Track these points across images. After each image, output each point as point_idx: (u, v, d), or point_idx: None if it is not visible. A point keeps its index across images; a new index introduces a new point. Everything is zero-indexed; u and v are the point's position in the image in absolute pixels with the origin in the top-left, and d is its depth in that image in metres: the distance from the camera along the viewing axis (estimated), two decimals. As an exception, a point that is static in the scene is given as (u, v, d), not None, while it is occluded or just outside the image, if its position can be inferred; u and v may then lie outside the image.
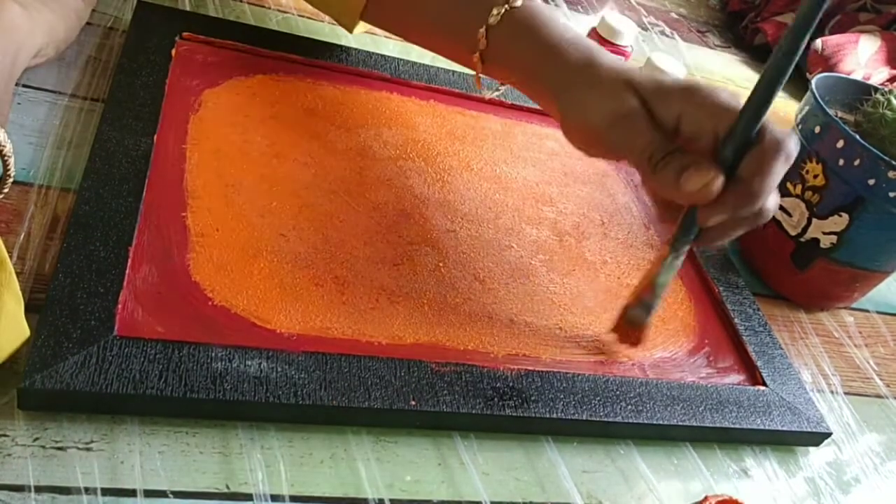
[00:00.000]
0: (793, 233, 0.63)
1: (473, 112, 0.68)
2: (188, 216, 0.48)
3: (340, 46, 0.67)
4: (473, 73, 0.53)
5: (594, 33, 0.75)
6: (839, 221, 0.60)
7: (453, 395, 0.44)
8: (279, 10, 0.72)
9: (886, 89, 0.62)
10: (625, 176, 0.69)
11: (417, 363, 0.44)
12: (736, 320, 0.58)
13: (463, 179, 0.60)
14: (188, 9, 0.66)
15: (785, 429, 0.51)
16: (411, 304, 0.49)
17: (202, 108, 0.55)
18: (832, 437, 0.54)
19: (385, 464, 0.42)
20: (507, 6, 0.49)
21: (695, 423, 0.49)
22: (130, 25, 0.59)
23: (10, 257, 0.41)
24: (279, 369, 0.41)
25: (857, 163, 0.57)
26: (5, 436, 0.36)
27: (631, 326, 0.51)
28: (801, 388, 0.54)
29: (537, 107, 0.63)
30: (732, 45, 1.12)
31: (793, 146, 0.43)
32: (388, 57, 0.68)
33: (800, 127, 0.62)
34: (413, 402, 0.42)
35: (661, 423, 0.48)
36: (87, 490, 0.35)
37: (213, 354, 0.40)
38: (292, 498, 0.38)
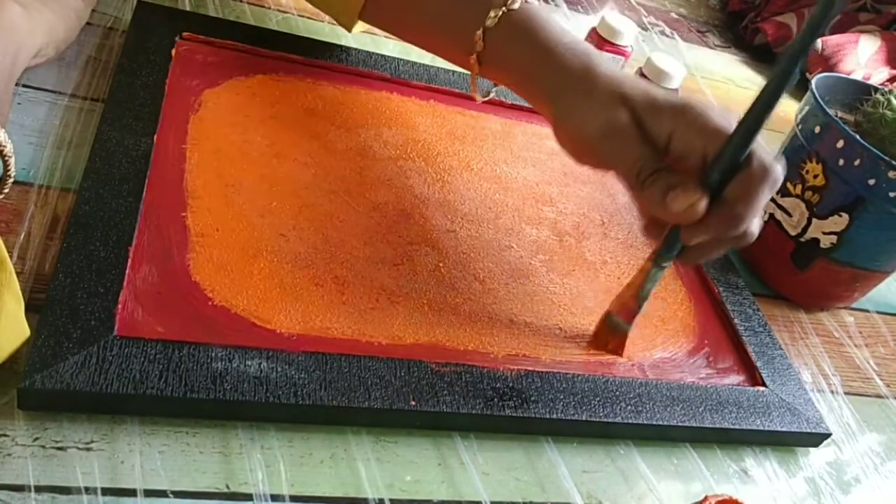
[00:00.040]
0: (793, 233, 0.63)
1: (473, 112, 0.68)
2: (188, 216, 0.48)
3: (340, 46, 0.67)
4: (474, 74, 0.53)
5: (594, 33, 0.75)
6: (839, 221, 0.60)
7: (453, 395, 0.44)
8: (279, 10, 0.72)
9: (886, 89, 0.62)
10: (625, 176, 0.69)
11: (417, 363, 0.44)
12: (736, 320, 0.58)
13: (463, 179, 0.60)
14: (188, 9, 0.66)
15: (785, 429, 0.51)
16: (411, 304, 0.49)
17: (202, 108, 0.55)
18: (832, 437, 0.54)
19: (385, 464, 0.42)
20: (504, 8, 0.49)
21: (695, 424, 0.49)
22: (130, 25, 0.59)
23: (10, 257, 0.41)
24: (279, 369, 0.41)
25: (857, 163, 0.57)
26: (5, 436, 0.36)
27: (612, 334, 0.51)
28: (800, 389, 0.54)
29: (540, 114, 0.63)
30: (732, 45, 1.12)
31: (779, 172, 0.43)
32: (388, 57, 0.68)
33: (800, 127, 0.62)
34: (413, 403, 0.42)
35: (660, 423, 0.48)
36: (87, 490, 0.35)
37: (213, 354, 0.40)
38: (292, 498, 0.38)
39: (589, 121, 0.46)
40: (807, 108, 0.62)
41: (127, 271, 0.42)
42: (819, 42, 0.99)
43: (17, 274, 0.39)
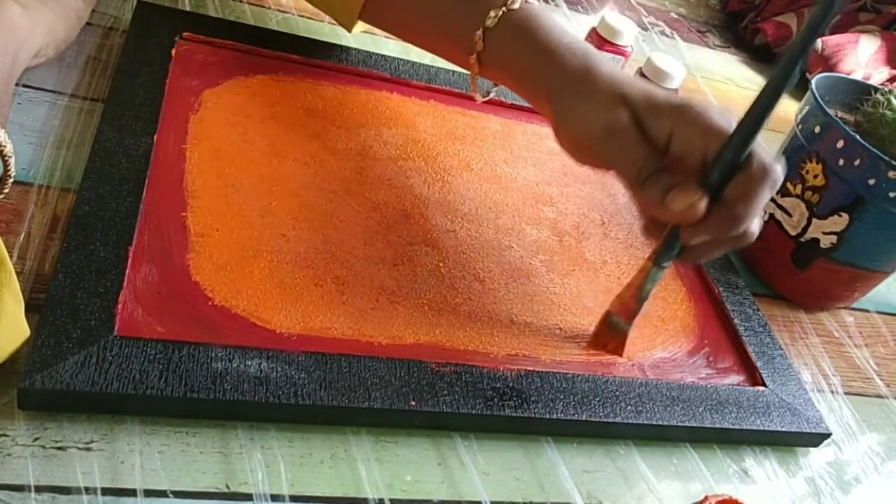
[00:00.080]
0: (793, 233, 0.63)
1: (473, 112, 0.68)
2: (188, 216, 0.48)
3: (340, 46, 0.67)
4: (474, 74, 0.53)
5: (594, 33, 0.75)
6: (839, 221, 0.60)
7: (453, 395, 0.44)
8: (279, 10, 0.72)
9: (886, 89, 0.62)
10: (625, 176, 0.69)
11: (417, 363, 0.44)
12: (736, 321, 0.58)
13: (463, 179, 0.60)
14: (188, 9, 0.66)
15: (785, 429, 0.51)
16: (411, 304, 0.49)
17: (202, 108, 0.55)
18: (832, 437, 0.54)
19: (385, 464, 0.42)
20: (504, 8, 0.49)
21: (694, 424, 0.49)
22: (130, 25, 0.59)
23: (10, 257, 0.41)
24: (279, 369, 0.41)
25: (857, 163, 0.57)
26: (5, 436, 0.36)
27: (611, 334, 0.51)
28: (800, 389, 0.54)
29: (540, 114, 0.63)
30: (732, 45, 1.12)
31: (779, 173, 0.43)
32: (388, 57, 0.68)
33: (800, 127, 0.62)
34: (413, 403, 0.42)
35: (660, 423, 0.48)
36: (87, 490, 0.35)
37: (213, 354, 0.40)
38: (292, 498, 0.38)
39: (589, 121, 0.46)
40: (807, 108, 0.62)
41: (127, 271, 0.42)
42: (819, 42, 0.99)
43: (17, 274, 0.39)
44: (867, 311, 0.70)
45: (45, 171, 0.48)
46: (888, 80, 0.97)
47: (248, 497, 0.38)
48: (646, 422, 0.47)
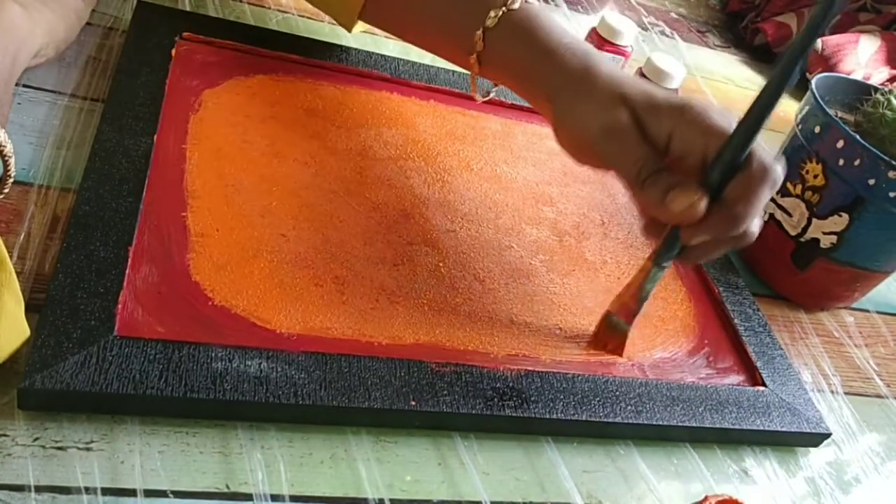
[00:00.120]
0: (793, 233, 0.63)
1: (473, 112, 0.68)
2: (188, 216, 0.48)
3: (340, 46, 0.67)
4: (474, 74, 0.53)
5: (594, 33, 0.75)
6: (839, 221, 0.60)
7: (453, 395, 0.44)
8: (279, 10, 0.72)
9: (886, 89, 0.62)
10: (625, 176, 0.69)
11: (417, 363, 0.44)
12: (736, 320, 0.58)
13: (463, 179, 0.60)
14: (188, 9, 0.66)
15: (784, 429, 0.51)
16: (411, 304, 0.49)
17: (202, 108, 0.55)
18: (832, 437, 0.54)
19: (385, 464, 0.42)
20: (504, 8, 0.49)
21: (694, 424, 0.49)
22: (130, 25, 0.59)
23: (10, 257, 0.41)
24: (279, 369, 0.41)
25: (857, 163, 0.57)
26: (5, 436, 0.36)
27: (611, 334, 0.51)
28: (800, 389, 0.54)
29: (540, 114, 0.63)
30: (732, 45, 1.12)
31: (779, 173, 0.43)
32: (388, 57, 0.68)
33: (800, 127, 0.62)
34: (413, 403, 0.42)
35: (660, 423, 0.48)
36: (87, 490, 0.35)
37: (213, 354, 0.40)
38: (292, 498, 0.38)
39: (589, 121, 0.46)
40: (807, 108, 0.62)
41: (127, 271, 0.42)
42: (819, 42, 0.99)
43: (17, 274, 0.39)
44: (867, 311, 0.70)
45: (45, 171, 0.48)
46: (888, 80, 0.97)
47: (248, 497, 0.38)
48: (646, 422, 0.47)
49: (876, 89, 0.64)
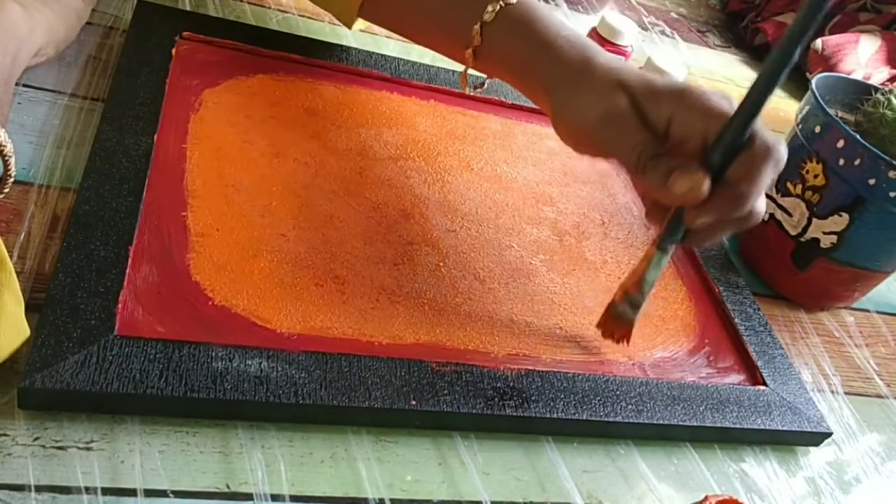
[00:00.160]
0: (793, 232, 0.63)
1: (473, 112, 0.68)
2: (188, 216, 0.48)
3: (340, 46, 0.67)
4: (472, 71, 0.53)
5: (594, 33, 0.75)
6: (839, 221, 0.60)
7: (453, 394, 0.44)
8: (279, 10, 0.72)
9: (886, 89, 0.62)
10: (625, 176, 0.69)
11: (418, 363, 0.44)
12: (736, 320, 0.58)
13: (463, 179, 0.60)
14: (188, 9, 0.66)
15: (785, 429, 0.51)
16: (411, 303, 0.49)
17: (202, 107, 0.55)
18: (832, 436, 0.54)
19: (385, 464, 0.42)
20: (502, 3, 0.49)
21: (695, 423, 0.49)
22: (130, 25, 0.59)
23: (10, 257, 0.41)
24: (279, 369, 0.41)
25: (857, 162, 0.57)
26: (5, 435, 0.36)
27: (617, 323, 0.51)
28: (801, 388, 0.54)
29: (538, 106, 0.63)
30: (732, 45, 1.12)
31: (783, 151, 0.43)
32: (388, 57, 0.68)
33: (800, 127, 0.62)
34: (413, 402, 0.42)
35: (661, 423, 0.48)
36: (87, 489, 0.35)
37: (214, 354, 0.40)
38: (292, 498, 0.38)
39: (587, 109, 0.46)
40: (807, 107, 0.62)
41: (127, 271, 0.42)
42: (819, 42, 0.99)
43: (17, 274, 0.39)
44: (867, 311, 0.70)
45: (45, 170, 0.48)
46: (888, 80, 0.97)
47: (249, 497, 0.38)
48: (646, 421, 0.47)
49: (876, 89, 0.64)
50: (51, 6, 0.50)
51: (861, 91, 0.65)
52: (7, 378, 0.37)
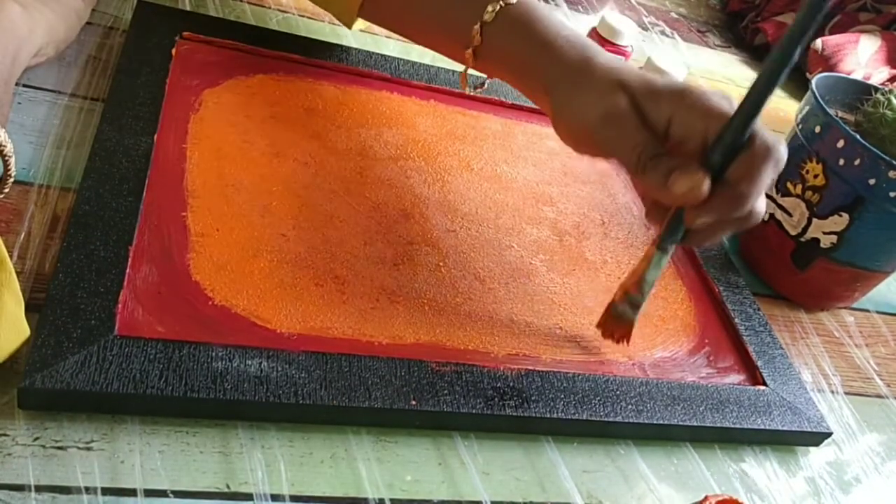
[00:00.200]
0: (793, 233, 0.63)
1: (473, 112, 0.68)
2: (188, 216, 0.48)
3: (340, 46, 0.67)
4: (472, 71, 0.53)
5: (594, 33, 0.75)
6: (839, 221, 0.60)
7: (453, 394, 0.44)
8: (279, 10, 0.72)
9: (886, 89, 0.62)
10: (625, 176, 0.69)
11: (418, 363, 0.44)
12: (736, 320, 0.58)
13: (463, 179, 0.60)
14: (188, 9, 0.66)
15: (785, 429, 0.51)
16: (411, 303, 0.49)
17: (202, 107, 0.55)
18: (832, 437, 0.54)
19: (385, 464, 0.42)
20: (502, 2, 0.49)
21: (695, 423, 0.49)
22: (130, 25, 0.59)
23: (10, 257, 0.41)
24: (279, 369, 0.41)
25: (857, 162, 0.57)
26: (5, 435, 0.36)
27: (617, 323, 0.51)
28: (801, 388, 0.54)
29: (538, 106, 0.63)
30: (732, 45, 1.12)
31: (783, 151, 0.43)
32: (388, 57, 0.68)
33: (800, 127, 0.62)
34: (413, 402, 0.42)
35: (661, 423, 0.48)
36: (87, 489, 0.35)
37: (214, 354, 0.40)
38: (292, 498, 0.38)
39: (587, 109, 0.46)
40: (807, 107, 0.62)
41: (127, 271, 0.42)
42: (819, 42, 0.99)
43: (17, 274, 0.39)
44: (867, 311, 0.70)
45: (45, 170, 0.48)
46: (888, 80, 0.97)
47: (249, 497, 0.38)
48: (646, 421, 0.47)
49: (876, 89, 0.64)
50: (51, 6, 0.50)
51: (861, 91, 0.65)
52: (7, 378, 0.37)
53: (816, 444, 0.53)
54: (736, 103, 0.43)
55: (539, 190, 0.63)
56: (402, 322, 0.48)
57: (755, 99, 0.42)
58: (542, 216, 0.60)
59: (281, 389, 0.40)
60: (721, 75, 1.02)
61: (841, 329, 0.66)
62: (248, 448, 0.40)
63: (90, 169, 0.47)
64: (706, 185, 0.42)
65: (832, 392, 0.59)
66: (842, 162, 0.58)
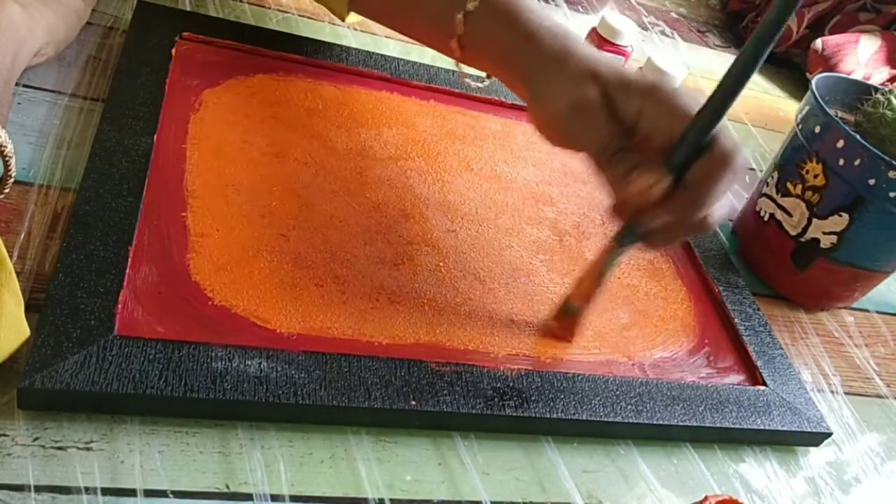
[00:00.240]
0: (793, 233, 0.63)
1: (473, 112, 0.68)
2: (188, 216, 0.48)
3: (340, 46, 0.67)
4: (473, 71, 0.53)
5: (594, 33, 0.75)
6: (839, 221, 0.60)
7: (453, 394, 0.44)
8: (279, 10, 0.72)
9: (886, 89, 0.62)
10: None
11: (417, 363, 0.44)
12: (736, 320, 0.58)
13: (463, 179, 0.60)
14: (188, 9, 0.66)
15: (785, 429, 0.51)
16: (411, 304, 0.49)
17: (202, 107, 0.55)
18: (832, 437, 0.54)
19: (385, 464, 0.42)
20: None
21: (695, 423, 0.49)
22: (130, 25, 0.59)
23: (10, 257, 0.41)
24: (279, 369, 0.41)
25: (857, 163, 0.57)
26: (5, 435, 0.36)
27: (563, 318, 0.51)
28: (801, 388, 0.54)
29: (517, 95, 0.63)
30: (732, 45, 1.12)
31: (740, 161, 0.42)
32: (388, 57, 0.68)
33: (800, 127, 0.62)
34: (413, 402, 0.42)
35: (661, 423, 0.48)
36: (87, 490, 0.35)
37: (213, 354, 0.40)
38: (292, 498, 0.38)
39: (557, 100, 0.46)
40: (807, 107, 0.62)
41: (127, 271, 0.42)
42: (819, 42, 0.99)
43: (17, 274, 0.39)
44: (867, 311, 0.70)
45: (45, 170, 0.48)
46: (888, 80, 0.97)
47: (248, 497, 0.38)
48: (646, 421, 0.47)
49: (876, 89, 0.64)
50: (51, 6, 0.50)
51: (861, 91, 0.65)
52: (7, 378, 0.37)
53: (816, 444, 0.53)
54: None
55: (539, 190, 0.63)
56: (402, 322, 0.48)
57: (718, 102, 0.41)
58: (542, 216, 0.60)
59: (280, 389, 0.40)
60: (721, 75, 1.01)
61: (841, 329, 0.66)
62: (247, 448, 0.40)
63: (90, 169, 0.47)
64: (662, 185, 0.42)
65: (832, 392, 0.59)
66: (842, 162, 0.58)
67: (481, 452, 0.44)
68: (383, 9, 0.59)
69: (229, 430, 0.40)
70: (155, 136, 0.50)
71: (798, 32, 1.06)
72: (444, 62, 0.62)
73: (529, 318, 0.52)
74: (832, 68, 0.96)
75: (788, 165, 0.63)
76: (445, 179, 0.59)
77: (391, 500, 0.40)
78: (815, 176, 0.60)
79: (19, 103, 0.51)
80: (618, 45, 0.74)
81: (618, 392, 0.48)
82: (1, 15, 0.45)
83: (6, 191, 0.43)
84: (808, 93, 0.62)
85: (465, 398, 0.44)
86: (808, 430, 0.52)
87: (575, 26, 0.96)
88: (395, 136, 0.61)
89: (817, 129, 0.60)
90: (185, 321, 0.42)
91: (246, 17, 0.69)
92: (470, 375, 0.45)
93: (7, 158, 0.42)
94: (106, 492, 0.36)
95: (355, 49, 0.67)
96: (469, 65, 0.54)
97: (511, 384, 0.46)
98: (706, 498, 0.45)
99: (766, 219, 0.65)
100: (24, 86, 0.53)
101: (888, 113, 0.59)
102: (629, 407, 0.47)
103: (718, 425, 0.49)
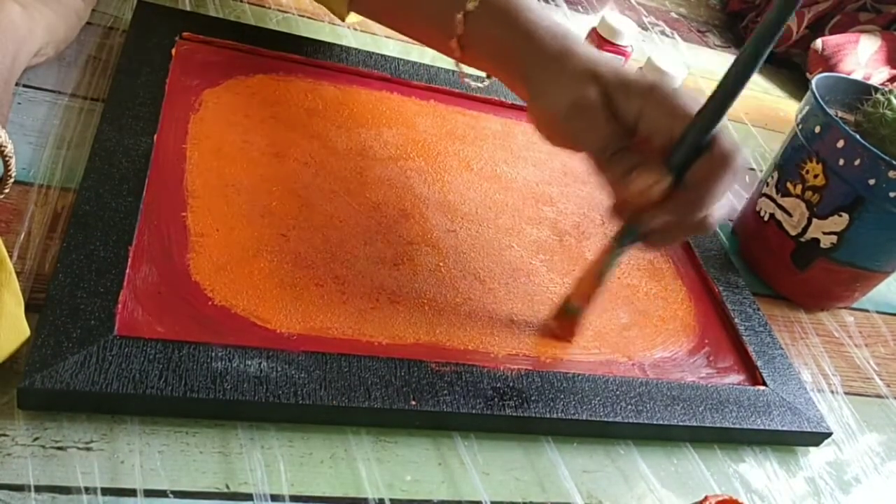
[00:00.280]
0: (793, 233, 0.63)
1: (473, 112, 0.68)
2: (188, 216, 0.48)
3: (340, 46, 0.67)
4: (473, 71, 0.53)
5: (594, 33, 0.75)
6: (839, 221, 0.60)
7: (453, 394, 0.44)
8: (279, 10, 0.72)
9: (886, 89, 0.62)
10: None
11: (417, 363, 0.44)
12: (736, 320, 0.58)
13: (463, 179, 0.60)
14: (188, 9, 0.66)
15: (785, 429, 0.51)
16: (411, 304, 0.49)
17: (202, 107, 0.55)
18: (832, 437, 0.54)
19: (385, 464, 0.42)
20: None
21: (695, 423, 0.49)
22: (130, 25, 0.59)
23: (10, 257, 0.41)
24: (279, 369, 0.41)
25: (857, 163, 0.57)
26: (5, 435, 0.36)
27: (563, 318, 0.51)
28: (801, 388, 0.54)
29: (517, 95, 0.63)
30: (732, 45, 1.12)
31: (740, 162, 0.42)
32: (388, 57, 0.68)
33: (800, 127, 0.62)
34: (413, 402, 0.42)
35: (661, 423, 0.48)
36: (87, 490, 0.35)
37: (213, 354, 0.40)
38: (292, 498, 0.38)
39: (557, 100, 0.46)
40: (807, 107, 0.62)
41: (127, 271, 0.42)
42: (819, 42, 0.99)
43: (17, 274, 0.39)
44: (867, 311, 0.70)
45: (45, 170, 0.48)
46: (888, 80, 0.97)
47: (248, 497, 0.38)
48: (646, 421, 0.47)
49: (876, 89, 0.64)
50: (51, 6, 0.50)
51: (861, 91, 0.65)
52: (7, 378, 0.37)
53: (816, 444, 0.53)
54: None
55: (539, 190, 0.63)
56: (401, 322, 0.48)
57: (718, 102, 0.41)
58: (542, 216, 0.60)
59: (280, 390, 0.40)
60: (721, 75, 1.01)
61: (841, 329, 0.66)
62: (247, 448, 0.40)
63: (90, 169, 0.47)
64: (663, 185, 0.42)
65: (832, 392, 0.59)
66: (842, 162, 0.58)
67: (481, 452, 0.44)
68: (383, 9, 0.59)
69: (229, 430, 0.40)
70: (155, 136, 0.51)
71: (798, 32, 1.06)
72: (444, 62, 0.62)
73: (529, 318, 0.52)
74: (832, 68, 0.96)
75: (788, 165, 0.63)
76: (445, 179, 0.59)
77: (391, 500, 0.40)
78: (815, 176, 0.60)
79: (19, 103, 0.51)
80: (618, 45, 0.74)
81: (618, 392, 0.48)
82: (1, 15, 0.45)
83: (6, 191, 0.43)
84: (808, 93, 0.62)
85: (465, 398, 0.44)
86: (808, 430, 0.52)
87: (575, 26, 0.96)
88: (395, 136, 0.61)
89: (817, 129, 0.60)
90: (185, 321, 0.42)
91: (246, 17, 0.69)
92: (470, 375, 0.45)
93: (7, 158, 0.42)
94: (106, 492, 0.36)
95: (355, 49, 0.67)
96: (469, 65, 0.54)
97: (511, 384, 0.46)
98: (706, 498, 0.45)
99: (766, 219, 0.65)
100: (24, 86, 0.53)
101: (888, 113, 0.59)
102: (629, 407, 0.47)
103: (718, 425, 0.49)
